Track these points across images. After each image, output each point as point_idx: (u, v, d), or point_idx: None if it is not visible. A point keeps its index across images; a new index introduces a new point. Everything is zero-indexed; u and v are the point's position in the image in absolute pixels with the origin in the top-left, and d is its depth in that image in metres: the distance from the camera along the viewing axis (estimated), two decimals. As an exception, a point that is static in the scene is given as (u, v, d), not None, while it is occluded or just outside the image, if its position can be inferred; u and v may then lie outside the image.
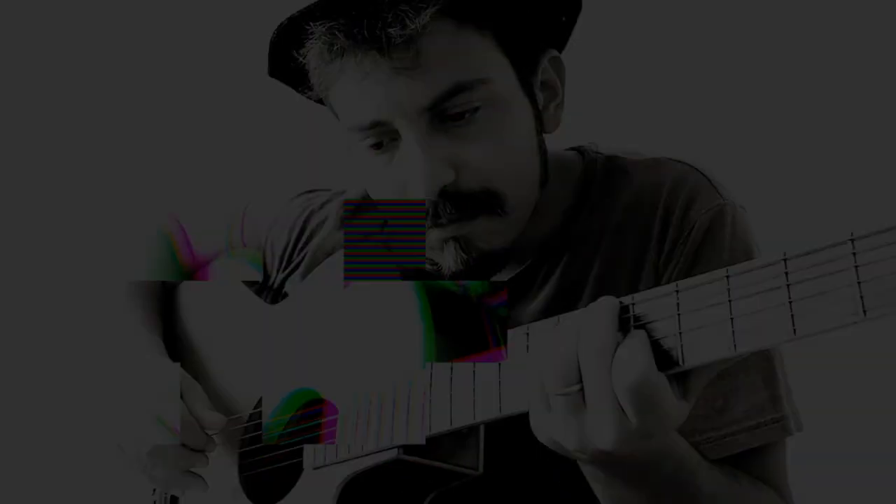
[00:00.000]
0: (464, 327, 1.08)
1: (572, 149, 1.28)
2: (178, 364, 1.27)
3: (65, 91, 2.50)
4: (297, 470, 1.15)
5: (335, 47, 1.03)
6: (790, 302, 0.79)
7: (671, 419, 0.85)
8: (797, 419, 1.13)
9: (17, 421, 2.32)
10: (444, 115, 1.05)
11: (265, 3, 2.30)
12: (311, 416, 1.18)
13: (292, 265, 1.40)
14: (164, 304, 1.48)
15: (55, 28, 2.52)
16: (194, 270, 1.52)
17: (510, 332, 0.96)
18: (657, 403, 0.82)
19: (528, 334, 0.94)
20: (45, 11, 2.53)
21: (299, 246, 1.40)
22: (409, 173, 1.06)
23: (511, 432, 0.98)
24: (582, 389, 0.83)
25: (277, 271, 1.41)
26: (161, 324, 1.43)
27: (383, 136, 1.08)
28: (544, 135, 1.18)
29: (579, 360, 0.84)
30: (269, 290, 1.43)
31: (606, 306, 0.85)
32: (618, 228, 1.16)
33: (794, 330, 0.78)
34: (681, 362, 0.83)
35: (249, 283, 1.43)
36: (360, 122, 1.08)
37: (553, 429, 0.87)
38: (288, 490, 1.16)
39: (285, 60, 1.11)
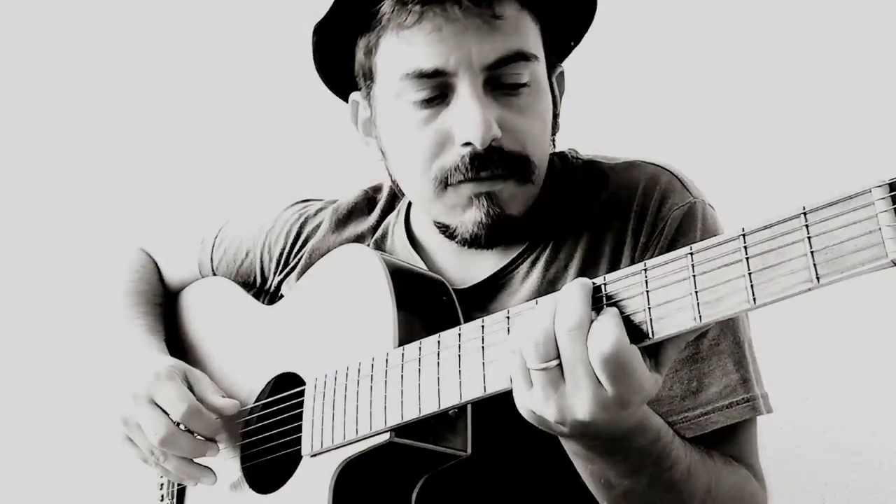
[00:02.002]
0: (437, 308, 1.12)
1: (552, 154, 1.30)
2: (181, 361, 1.28)
3: (52, 97, 2.49)
4: (295, 458, 1.15)
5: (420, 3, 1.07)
6: (749, 273, 0.80)
7: (644, 389, 0.87)
8: (766, 401, 1.14)
9: (29, 421, 2.31)
10: (499, 81, 1.10)
11: (260, 14, 2.33)
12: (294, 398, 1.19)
13: (289, 268, 1.41)
14: (166, 307, 1.50)
15: (51, 31, 2.51)
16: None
17: (492, 316, 0.97)
18: (630, 373, 0.85)
19: (508, 317, 0.96)
20: (38, 17, 2.52)
21: (295, 250, 1.41)
22: (463, 122, 1.09)
23: (498, 415, 1.00)
24: (560, 364, 0.86)
25: (274, 274, 1.43)
26: (163, 329, 1.44)
27: (437, 90, 1.10)
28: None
29: (556, 336, 0.86)
30: (267, 293, 1.44)
31: (579, 286, 0.88)
32: (596, 225, 1.18)
33: (754, 299, 0.80)
34: (650, 335, 0.85)
35: (247, 288, 1.45)
36: (422, 69, 1.09)
37: (534, 403, 0.89)
38: (286, 478, 1.16)
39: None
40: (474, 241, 1.16)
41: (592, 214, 1.20)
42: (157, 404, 1.21)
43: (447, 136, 1.12)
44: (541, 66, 1.14)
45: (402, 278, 1.12)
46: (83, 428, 2.06)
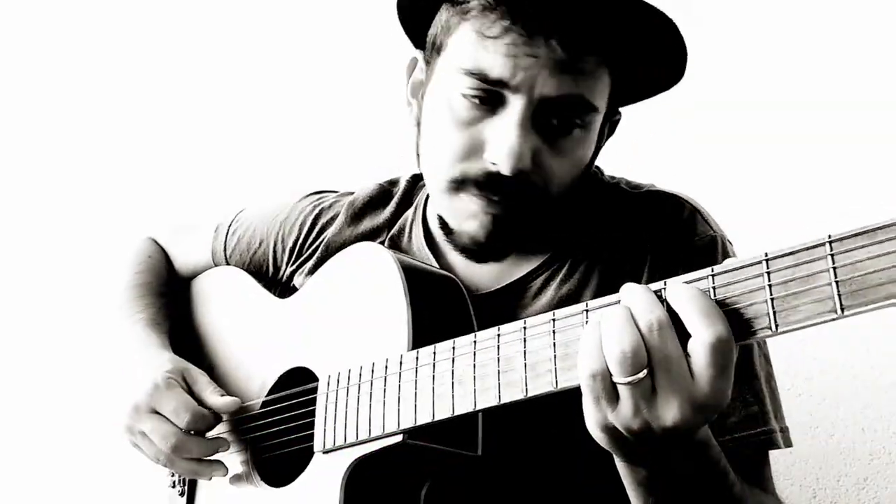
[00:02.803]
0: (450, 310, 1.10)
1: None
2: (179, 358, 1.27)
3: (53, 95, 2.47)
4: (307, 453, 1.15)
5: (517, 12, 1.04)
6: (771, 299, 0.79)
7: (730, 388, 0.82)
8: (786, 435, 1.12)
9: (28, 423, 2.31)
10: (551, 115, 1.08)
11: (262, 13, 2.30)
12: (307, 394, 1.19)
13: (302, 258, 1.39)
14: (172, 299, 1.48)
15: (47, 32, 2.49)
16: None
17: (508, 325, 0.95)
18: (730, 363, 0.80)
19: (525, 328, 0.94)
20: (33, 17, 2.49)
21: (309, 241, 1.39)
22: (498, 144, 1.07)
23: (508, 416, 0.98)
24: (651, 372, 0.81)
25: (287, 264, 1.41)
26: (168, 320, 1.43)
27: (491, 97, 1.08)
28: None
29: (645, 339, 0.81)
30: (279, 283, 1.42)
31: (642, 289, 0.83)
32: (616, 249, 1.17)
33: (776, 326, 0.78)
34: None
35: (259, 277, 1.43)
36: (487, 74, 1.06)
37: (620, 420, 0.83)
38: (299, 473, 1.15)
39: None
40: (465, 251, 1.16)
41: (613, 238, 1.18)
42: (160, 413, 1.21)
43: (480, 146, 1.10)
44: (598, 116, 1.12)
45: (416, 279, 1.11)
46: (95, 417, 2.05)
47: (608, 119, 1.19)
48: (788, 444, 1.12)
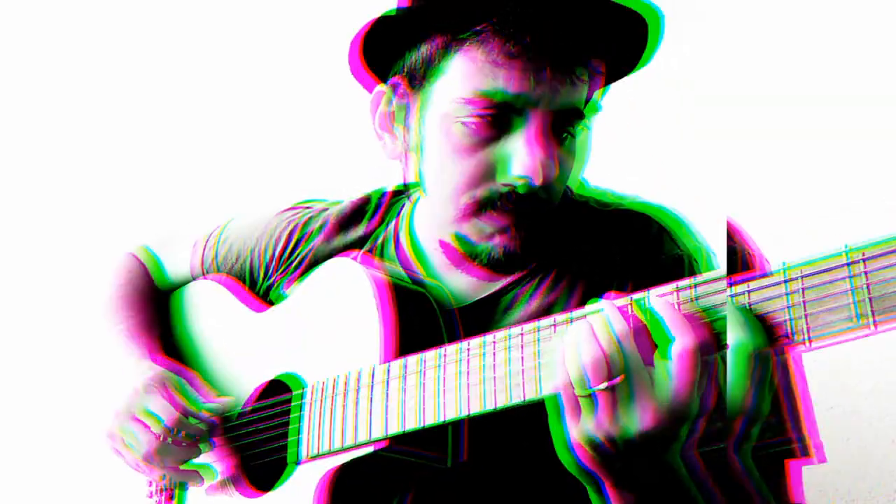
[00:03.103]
0: (421, 324, 1.13)
1: None
2: (160, 366, 1.27)
3: (52, 97, 2.42)
4: (285, 463, 1.14)
5: (516, 41, 1.07)
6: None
7: (696, 399, 0.88)
8: (804, 445, 1.08)
9: (10, 428, 2.30)
10: (562, 124, 1.11)
11: (262, 13, 2.26)
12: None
13: (280, 271, 1.37)
14: (153, 312, 1.47)
15: (58, 28, 2.43)
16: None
17: (474, 339, 0.99)
18: (692, 373, 0.86)
19: (494, 342, 0.98)
20: (43, 13, 2.47)
21: (288, 253, 1.37)
22: (527, 157, 1.08)
23: (487, 424, 1.01)
24: (627, 377, 0.88)
25: (264, 279, 1.39)
26: (157, 328, 1.43)
27: (498, 119, 1.09)
28: None
29: (621, 346, 0.88)
30: (257, 296, 1.40)
31: (610, 304, 0.91)
32: (599, 259, 1.17)
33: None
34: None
35: None
36: (500, 92, 1.08)
37: (597, 427, 0.89)
38: (276, 482, 1.15)
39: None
40: (496, 265, 1.14)
41: (586, 254, 1.18)
42: (138, 420, 1.20)
43: (491, 169, 1.10)
44: (581, 122, 1.14)
45: (388, 293, 1.13)
46: (76, 424, 2.02)
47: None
48: (807, 453, 1.07)
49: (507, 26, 1.07)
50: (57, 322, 2.12)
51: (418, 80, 1.15)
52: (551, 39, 1.07)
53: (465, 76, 1.09)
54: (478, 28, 1.09)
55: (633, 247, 1.17)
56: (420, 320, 1.14)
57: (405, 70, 1.16)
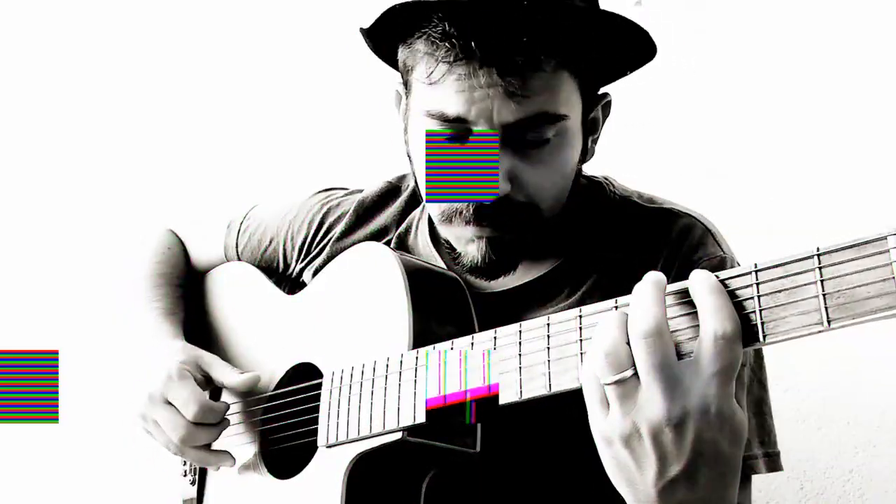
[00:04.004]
0: (452, 310, 1.10)
1: (586, 177, 1.28)
2: (192, 346, 1.29)
3: (66, 92, 2.46)
4: (312, 446, 1.15)
5: (455, 49, 1.02)
6: (760, 310, 0.79)
7: (730, 393, 0.80)
8: (772, 461, 1.11)
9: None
10: (519, 137, 1.06)
11: (269, 8, 2.29)
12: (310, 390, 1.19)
13: (311, 256, 1.39)
14: (187, 291, 1.49)
15: (50, 30, 2.48)
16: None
17: (504, 328, 0.97)
18: (730, 365, 0.79)
19: (520, 332, 0.95)
20: (39, 14, 2.49)
21: (318, 239, 1.39)
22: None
23: (507, 413, 0.97)
24: (636, 374, 0.80)
25: (296, 262, 1.41)
26: (183, 311, 1.44)
27: (455, 132, 1.07)
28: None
29: (630, 343, 0.81)
30: (289, 279, 1.43)
31: (652, 283, 0.83)
32: (625, 263, 1.15)
33: (763, 336, 0.79)
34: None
35: (269, 273, 1.43)
36: (445, 113, 1.06)
37: (611, 426, 0.82)
38: (303, 466, 1.16)
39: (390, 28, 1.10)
40: (475, 271, 1.15)
41: (623, 251, 1.17)
42: (171, 403, 1.23)
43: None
44: (569, 122, 1.09)
45: (418, 278, 1.11)
46: (110, 403, 2.05)
47: (593, 108, 1.17)
48: (773, 468, 1.10)
49: (436, 47, 1.04)
50: (92, 299, 2.14)
51: (406, 83, 1.15)
52: (494, 48, 1.01)
53: (420, 92, 1.10)
54: (413, 44, 1.07)
55: (676, 245, 1.14)
56: (451, 306, 1.11)
57: (401, 74, 1.16)
